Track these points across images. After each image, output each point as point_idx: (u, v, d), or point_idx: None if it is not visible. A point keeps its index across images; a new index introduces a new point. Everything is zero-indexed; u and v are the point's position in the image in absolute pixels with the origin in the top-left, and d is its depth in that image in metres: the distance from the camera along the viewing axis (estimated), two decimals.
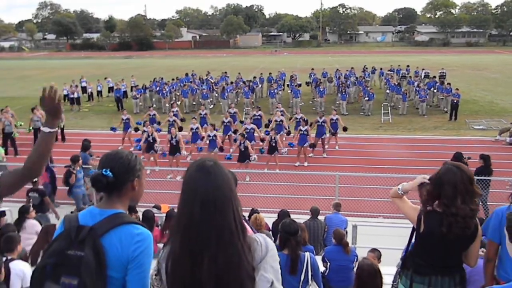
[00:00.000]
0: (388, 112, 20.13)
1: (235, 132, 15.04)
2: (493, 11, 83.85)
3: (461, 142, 15.73)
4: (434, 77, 26.54)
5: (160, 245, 6.02)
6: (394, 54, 57.50)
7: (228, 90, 22.76)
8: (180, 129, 14.03)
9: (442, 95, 21.87)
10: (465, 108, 21.36)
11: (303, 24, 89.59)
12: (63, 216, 1.98)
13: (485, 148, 13.69)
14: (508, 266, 3.08)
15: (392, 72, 28.54)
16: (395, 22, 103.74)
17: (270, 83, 24.60)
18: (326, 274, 5.30)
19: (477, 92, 27.52)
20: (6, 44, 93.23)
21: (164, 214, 7.37)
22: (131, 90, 24.33)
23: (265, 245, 1.72)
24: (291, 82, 25.03)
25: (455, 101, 19.63)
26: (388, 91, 23.79)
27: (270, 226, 6.96)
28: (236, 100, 22.81)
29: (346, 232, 6.98)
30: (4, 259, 4.26)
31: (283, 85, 26.43)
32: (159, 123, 15.84)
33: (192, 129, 13.81)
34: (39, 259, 1.98)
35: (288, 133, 14.59)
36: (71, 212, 3.26)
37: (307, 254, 3.83)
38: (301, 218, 6.95)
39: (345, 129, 15.20)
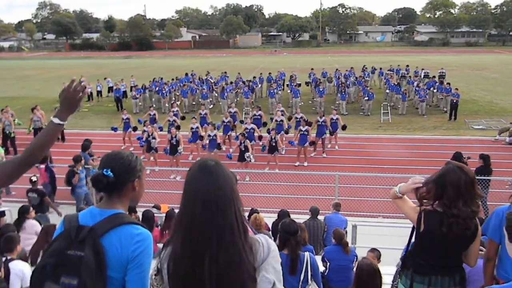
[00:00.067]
0: (388, 112, 20.14)
1: (232, 128, 15.09)
2: (493, 11, 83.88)
3: (460, 142, 15.74)
4: (434, 77, 26.55)
5: (160, 245, 6.02)
6: (394, 54, 57.51)
7: (228, 90, 22.77)
8: (178, 127, 14.04)
9: (441, 95, 21.87)
10: (464, 108, 21.37)
11: (303, 24, 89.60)
12: (63, 216, 1.98)
13: (484, 148, 13.70)
14: (508, 266, 3.08)
15: (391, 72, 28.53)
16: (394, 22, 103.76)
17: (269, 83, 24.60)
18: (325, 274, 5.31)
19: (476, 92, 27.54)
20: (6, 44, 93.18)
21: (164, 214, 7.37)
22: (131, 90, 24.33)
23: (267, 246, 1.72)
24: (290, 82, 25.03)
25: (454, 101, 19.64)
26: (387, 91, 23.80)
27: (270, 226, 6.96)
28: (236, 100, 22.80)
29: (346, 232, 6.99)
30: (3, 259, 4.26)
31: (283, 85, 26.43)
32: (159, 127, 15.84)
33: (192, 128, 13.83)
34: (39, 259, 1.97)
35: (287, 132, 14.60)
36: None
37: (306, 254, 3.83)
38: (301, 218, 6.96)
39: (344, 127, 15.22)
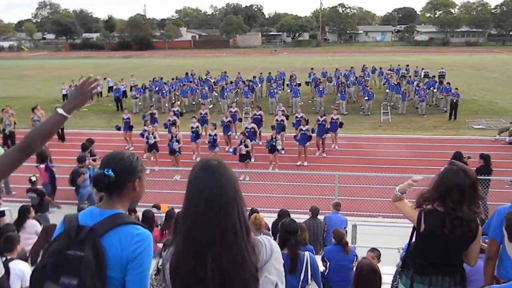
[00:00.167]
0: (388, 112, 20.13)
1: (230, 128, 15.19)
2: (493, 11, 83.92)
3: (460, 142, 15.74)
4: (434, 76, 26.54)
5: (160, 245, 6.02)
6: (394, 54, 57.50)
7: (228, 89, 22.77)
8: (174, 124, 14.05)
9: (441, 94, 21.87)
10: (464, 108, 21.37)
11: (303, 23, 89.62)
12: (63, 216, 1.98)
13: (484, 148, 13.71)
14: (508, 265, 3.08)
15: (391, 72, 28.53)
16: (394, 22, 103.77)
17: (269, 83, 24.59)
18: (325, 273, 5.31)
19: (476, 91, 27.54)
20: (6, 44, 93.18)
21: (164, 214, 7.37)
22: (131, 90, 24.32)
23: (269, 247, 1.72)
24: (290, 81, 25.03)
25: (454, 100, 19.63)
26: (387, 90, 23.80)
27: (270, 226, 6.96)
28: (235, 99, 22.80)
29: (346, 232, 6.99)
30: (3, 259, 4.26)
31: (283, 84, 26.43)
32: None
33: (192, 128, 13.85)
34: (39, 259, 1.98)
35: (283, 129, 14.60)
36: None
37: (306, 253, 3.83)
38: (301, 217, 6.96)
39: (341, 124, 15.24)
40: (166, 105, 22.26)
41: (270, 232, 6.68)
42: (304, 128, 13.58)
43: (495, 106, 22.91)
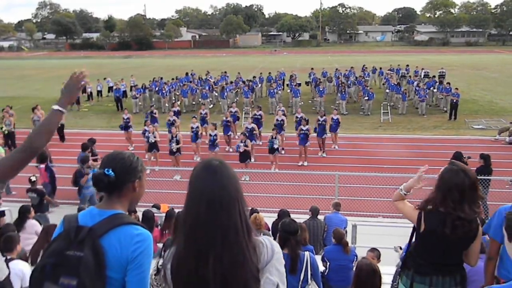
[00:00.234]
0: (388, 112, 20.13)
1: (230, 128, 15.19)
2: (493, 11, 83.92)
3: (460, 142, 15.74)
4: (434, 76, 26.54)
5: (160, 245, 6.02)
6: (394, 54, 57.52)
7: (228, 89, 22.77)
8: (173, 124, 14.05)
9: (441, 94, 21.87)
10: (464, 108, 21.37)
11: (303, 23, 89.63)
12: (63, 216, 1.98)
13: (484, 148, 13.71)
14: (508, 265, 3.08)
15: (391, 72, 28.53)
16: (394, 22, 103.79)
17: (269, 83, 24.60)
18: (325, 273, 5.31)
19: (476, 91, 27.54)
20: (6, 44, 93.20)
21: (164, 214, 7.37)
22: (131, 90, 24.33)
23: (271, 248, 1.72)
24: (290, 81, 25.04)
25: (454, 100, 19.63)
26: (387, 90, 23.80)
27: (270, 226, 6.96)
28: (235, 99, 22.81)
29: (346, 232, 6.99)
30: (3, 258, 4.25)
31: (283, 84, 26.44)
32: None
33: (192, 128, 13.85)
34: (39, 259, 1.98)
35: (283, 128, 14.63)
36: None
37: (306, 253, 3.83)
38: (301, 217, 6.96)
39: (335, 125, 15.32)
40: (166, 105, 22.27)
41: (270, 232, 6.68)
42: (304, 128, 13.59)
43: (495, 106, 22.91)
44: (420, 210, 2.97)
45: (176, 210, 6.79)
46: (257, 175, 11.97)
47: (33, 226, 6.44)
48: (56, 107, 2.19)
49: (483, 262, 3.25)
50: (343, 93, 21.82)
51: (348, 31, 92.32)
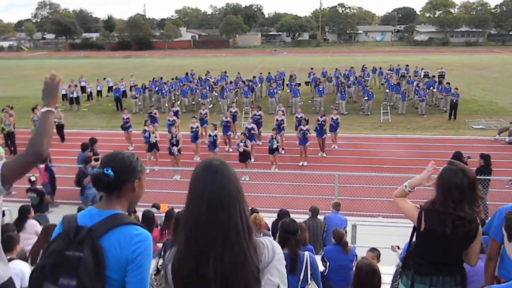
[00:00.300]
0: (388, 112, 20.14)
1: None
2: (492, 11, 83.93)
3: (460, 142, 15.75)
4: (434, 76, 26.55)
5: (160, 245, 6.01)
6: (393, 54, 57.51)
7: (227, 89, 22.77)
8: (173, 124, 14.05)
9: (441, 94, 21.88)
10: (464, 108, 21.38)
11: (303, 23, 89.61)
12: (62, 216, 1.98)
13: (484, 148, 13.72)
14: (509, 265, 3.08)
15: (391, 72, 28.53)
16: (394, 22, 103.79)
17: (269, 83, 24.60)
18: (325, 273, 5.31)
19: (476, 91, 27.54)
20: (5, 44, 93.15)
21: (163, 214, 7.37)
22: (130, 90, 24.32)
23: (272, 249, 1.72)
24: (290, 81, 25.04)
25: (454, 100, 19.64)
26: (387, 90, 23.80)
27: (270, 226, 6.96)
28: (235, 99, 22.81)
29: (346, 232, 6.99)
30: (6, 260, 4.25)
31: (283, 84, 26.44)
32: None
33: (192, 128, 13.85)
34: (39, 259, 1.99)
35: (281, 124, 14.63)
36: None
37: (306, 253, 3.83)
38: (300, 217, 6.96)
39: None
40: (166, 105, 22.27)
41: (270, 232, 6.68)
42: (304, 128, 13.60)
43: (495, 106, 22.91)
44: (422, 210, 2.96)
45: (176, 210, 6.78)
46: (257, 175, 11.97)
47: (33, 226, 6.44)
48: (44, 109, 2.24)
49: (483, 263, 3.26)
50: (343, 93, 21.82)
51: (347, 31, 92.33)
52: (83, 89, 26.19)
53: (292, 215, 6.25)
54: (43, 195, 9.06)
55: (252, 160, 13.44)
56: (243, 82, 24.71)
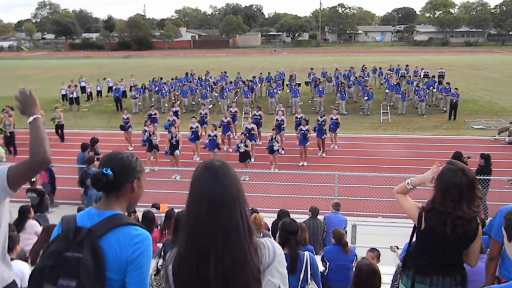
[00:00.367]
0: (388, 112, 20.14)
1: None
2: (492, 11, 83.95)
3: (460, 142, 15.75)
4: (433, 76, 26.55)
5: (159, 245, 6.01)
6: (393, 54, 57.49)
7: (227, 89, 22.77)
8: (173, 124, 14.05)
9: (441, 94, 21.88)
10: (464, 108, 21.38)
11: (302, 23, 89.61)
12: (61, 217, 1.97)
13: (484, 148, 13.71)
14: (509, 266, 3.09)
15: (391, 72, 28.52)
16: (394, 22, 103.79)
17: (269, 83, 24.60)
18: (325, 273, 5.30)
19: (476, 91, 27.54)
20: (5, 44, 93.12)
21: (163, 214, 7.36)
22: (130, 90, 24.31)
23: (272, 250, 1.71)
24: (290, 81, 25.03)
25: (454, 100, 19.64)
26: (387, 90, 23.80)
27: (270, 226, 6.95)
28: (235, 99, 22.82)
29: (346, 232, 6.99)
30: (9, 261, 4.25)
31: (282, 84, 26.44)
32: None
33: (192, 128, 13.86)
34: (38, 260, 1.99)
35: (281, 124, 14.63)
36: None
37: (306, 253, 3.83)
38: (300, 217, 6.96)
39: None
40: (166, 105, 22.27)
41: (270, 232, 6.67)
42: (304, 128, 13.60)
43: (495, 106, 22.92)
44: (422, 210, 2.96)
45: (176, 210, 6.78)
46: (257, 175, 11.97)
47: (33, 226, 6.44)
48: (30, 118, 2.24)
49: (483, 263, 3.26)
50: (343, 93, 21.82)
51: (347, 31, 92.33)
52: (83, 89, 26.18)
53: (292, 215, 6.25)
54: (43, 195, 9.05)
55: (252, 160, 13.44)
56: (243, 82, 24.71)
